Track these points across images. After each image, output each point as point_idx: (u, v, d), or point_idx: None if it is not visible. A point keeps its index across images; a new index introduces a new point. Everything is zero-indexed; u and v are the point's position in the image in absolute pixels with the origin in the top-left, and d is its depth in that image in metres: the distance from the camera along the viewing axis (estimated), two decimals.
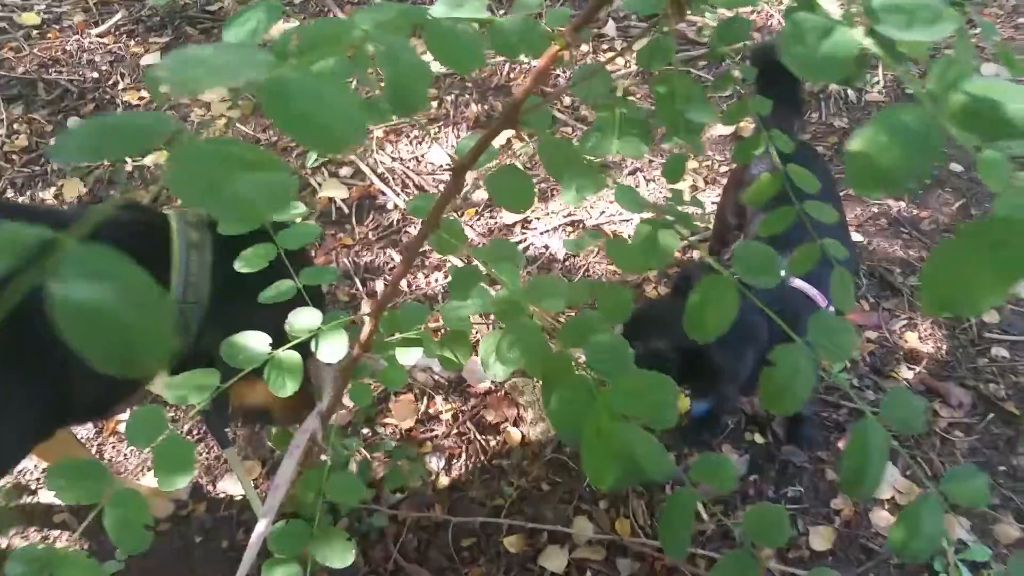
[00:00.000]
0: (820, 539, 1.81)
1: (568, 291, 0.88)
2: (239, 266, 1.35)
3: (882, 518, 1.84)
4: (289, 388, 1.12)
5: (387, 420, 2.03)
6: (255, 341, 1.14)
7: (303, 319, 1.20)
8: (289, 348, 1.15)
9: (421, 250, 2.46)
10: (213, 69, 0.49)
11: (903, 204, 2.60)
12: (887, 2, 0.53)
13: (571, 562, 1.80)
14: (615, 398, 0.77)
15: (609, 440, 0.75)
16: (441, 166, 2.77)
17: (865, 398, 2.06)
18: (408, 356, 1.33)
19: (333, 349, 1.16)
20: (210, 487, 1.98)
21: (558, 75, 3.07)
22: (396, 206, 2.62)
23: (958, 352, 2.21)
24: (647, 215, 0.87)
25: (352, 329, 1.25)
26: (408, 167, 2.77)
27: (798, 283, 1.68)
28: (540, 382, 0.87)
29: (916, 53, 0.76)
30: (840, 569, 1.76)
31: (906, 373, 2.14)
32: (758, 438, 2.01)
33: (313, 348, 1.17)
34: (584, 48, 3.23)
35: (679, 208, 0.82)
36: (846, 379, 2.10)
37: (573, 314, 0.89)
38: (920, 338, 2.23)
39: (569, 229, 2.54)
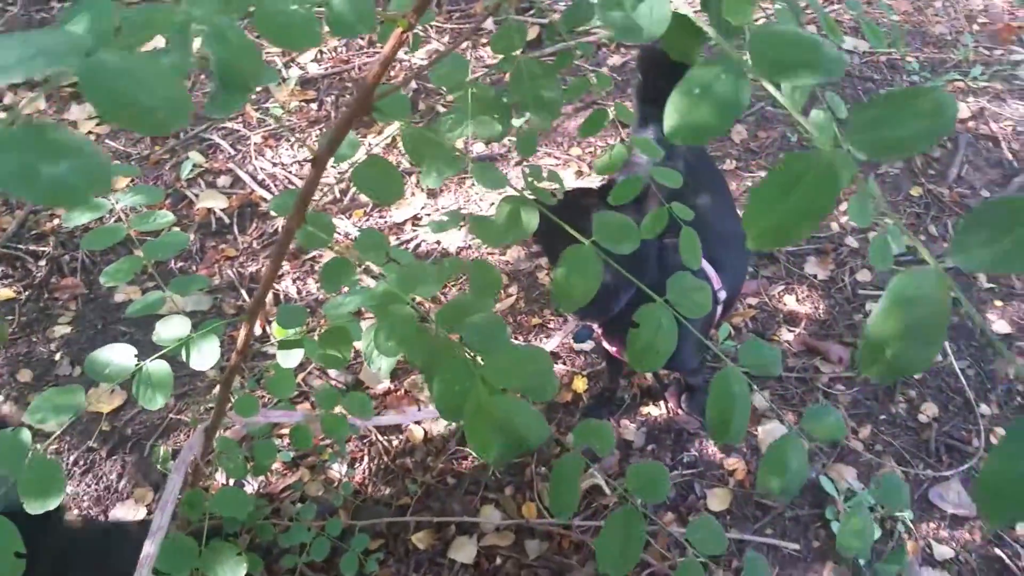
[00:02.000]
0: (717, 500, 1.88)
1: (438, 274, 0.89)
2: (104, 280, 1.30)
3: None
4: (160, 401, 1.08)
5: (283, 431, 1.99)
6: (120, 355, 1.10)
7: (172, 328, 1.16)
8: (157, 358, 1.11)
9: (310, 256, 2.42)
10: (24, 57, 0.47)
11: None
12: None
13: (480, 551, 1.81)
14: (492, 373, 0.78)
15: (489, 414, 0.76)
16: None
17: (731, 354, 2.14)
18: (289, 358, 1.31)
19: (205, 356, 1.12)
20: (102, 517, 1.89)
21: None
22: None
23: (835, 311, 2.33)
24: (509, 192, 0.88)
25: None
26: (290, 172, 2.71)
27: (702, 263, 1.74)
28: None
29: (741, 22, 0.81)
30: (737, 526, 1.84)
31: (787, 335, 2.24)
32: (653, 410, 2.07)
33: (184, 357, 1.13)
34: (464, 45, 3.24)
35: (538, 184, 0.84)
36: (732, 345, 2.18)
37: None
38: (798, 300, 2.35)
39: (461, 224, 2.53)
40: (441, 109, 2.93)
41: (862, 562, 1.77)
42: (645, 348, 0.80)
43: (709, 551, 0.91)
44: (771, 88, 0.52)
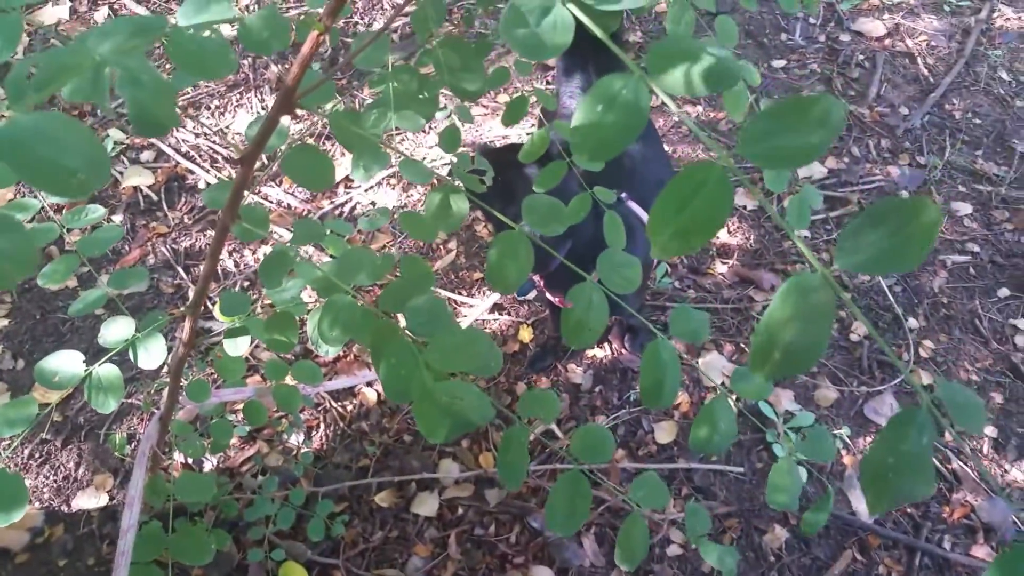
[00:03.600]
0: (664, 433, 1.97)
1: (375, 265, 0.91)
2: (42, 282, 1.28)
3: None
4: (112, 404, 1.09)
5: (237, 406, 2.00)
6: (68, 362, 1.10)
7: (116, 329, 1.16)
8: (105, 362, 1.12)
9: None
10: None
11: (700, 108, 2.77)
12: None
13: (442, 503, 1.87)
14: (435, 356, 0.81)
15: (434, 397, 0.79)
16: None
17: (687, 297, 2.23)
18: (237, 346, 1.32)
19: (152, 355, 1.13)
20: (64, 507, 1.90)
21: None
22: (208, 184, 2.52)
23: (765, 240, 2.41)
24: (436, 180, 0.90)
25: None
26: (214, 142, 2.65)
27: (633, 205, 1.78)
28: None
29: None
30: (684, 456, 1.94)
31: (720, 268, 2.32)
32: (599, 353, 2.14)
33: (132, 357, 1.14)
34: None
35: (465, 172, 0.86)
36: (669, 282, 2.26)
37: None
38: (729, 232, 2.42)
39: (393, 182, 2.53)
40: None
41: (804, 479, 1.88)
42: (578, 326, 0.84)
43: (653, 505, 0.97)
44: (667, 99, 0.55)
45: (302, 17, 0.89)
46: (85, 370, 1.10)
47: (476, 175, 1.01)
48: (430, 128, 2.65)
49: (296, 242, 1.04)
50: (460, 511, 1.87)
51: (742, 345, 2.14)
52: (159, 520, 1.54)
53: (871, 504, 0.50)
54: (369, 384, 2.07)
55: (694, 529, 1.13)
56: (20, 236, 0.47)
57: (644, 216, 1.77)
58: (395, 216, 2.41)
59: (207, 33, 0.65)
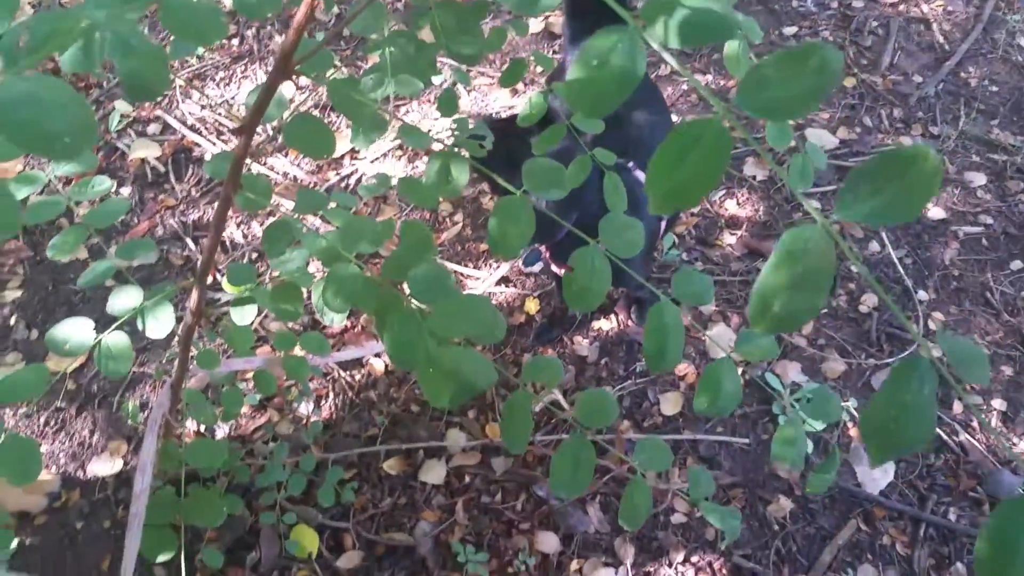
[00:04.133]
0: (670, 405, 1.98)
1: (376, 233, 0.91)
2: (51, 254, 1.30)
3: None
4: (122, 370, 1.10)
5: (248, 376, 2.02)
6: (78, 330, 1.12)
7: (124, 299, 1.17)
8: (115, 330, 1.13)
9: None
10: None
11: (710, 77, 2.74)
12: None
13: (450, 471, 1.89)
14: (439, 323, 0.82)
15: (438, 363, 0.80)
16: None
17: (675, 264, 2.22)
18: (244, 315, 1.33)
19: (160, 324, 1.14)
20: (80, 472, 1.93)
21: None
22: (214, 156, 2.52)
23: (774, 211, 2.39)
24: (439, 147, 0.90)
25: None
26: (219, 113, 2.66)
27: (639, 174, 1.77)
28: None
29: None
30: (690, 427, 1.94)
31: (729, 239, 2.31)
32: (605, 324, 2.14)
33: (140, 326, 1.15)
34: None
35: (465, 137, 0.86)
36: (677, 254, 2.25)
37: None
38: (739, 204, 2.41)
39: (399, 153, 2.53)
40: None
41: (809, 450, 1.89)
42: (581, 290, 0.84)
43: (654, 468, 0.98)
44: (667, 56, 0.54)
45: None
46: (95, 338, 1.12)
47: (476, 140, 1.01)
48: (434, 98, 2.64)
49: (298, 211, 1.05)
50: (467, 479, 1.89)
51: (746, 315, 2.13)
52: (172, 486, 1.57)
53: (873, 456, 0.51)
54: (376, 355, 2.09)
55: (697, 492, 1.14)
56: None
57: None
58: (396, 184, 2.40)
59: None
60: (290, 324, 2.11)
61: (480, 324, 0.83)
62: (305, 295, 1.37)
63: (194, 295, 1.27)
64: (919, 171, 0.45)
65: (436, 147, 1.02)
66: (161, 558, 1.50)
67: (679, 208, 0.53)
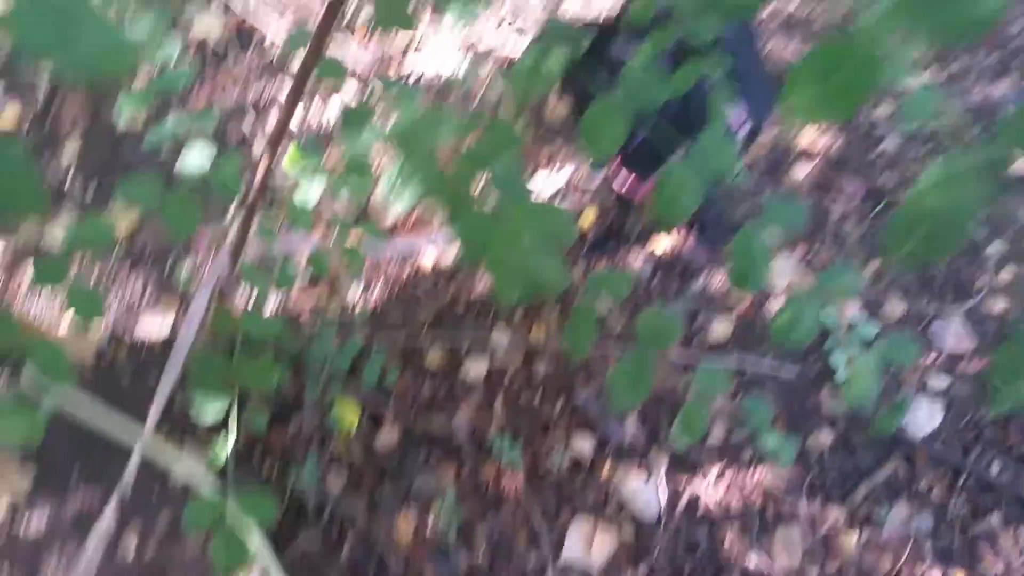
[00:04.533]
0: (720, 330, 1.95)
1: (459, 123, 0.90)
2: (118, 112, 1.30)
3: (777, 307, 1.98)
4: (190, 228, 1.11)
5: (302, 258, 2.03)
6: (147, 184, 1.11)
7: (195, 156, 1.16)
8: (183, 187, 1.13)
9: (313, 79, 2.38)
10: None
11: (797, 3, 2.62)
12: None
13: (492, 368, 1.90)
14: (513, 221, 0.81)
15: (512, 261, 0.79)
16: None
17: (763, 197, 2.16)
18: (308, 191, 1.32)
19: (228, 182, 1.14)
20: (128, 333, 1.97)
21: None
22: (274, 37, 2.49)
23: (850, 147, 2.31)
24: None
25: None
26: None
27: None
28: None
29: None
30: (737, 355, 1.92)
31: (800, 172, 2.24)
32: (662, 243, 2.10)
33: (207, 186, 1.15)
34: None
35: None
36: (744, 180, 2.19)
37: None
38: (814, 135, 2.32)
39: (461, 54, 2.47)
40: None
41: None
42: (670, 202, 0.83)
43: (714, 393, 0.98)
44: None
45: None
46: (163, 193, 1.11)
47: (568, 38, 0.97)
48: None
49: (378, 93, 1.03)
50: (507, 378, 1.89)
51: (816, 248, 2.08)
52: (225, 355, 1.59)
53: (996, 401, 0.49)
54: (428, 249, 2.08)
55: (755, 420, 1.13)
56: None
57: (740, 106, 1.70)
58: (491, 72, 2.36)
59: None
60: (347, 210, 2.10)
61: (552, 226, 0.83)
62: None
63: (263, 163, 1.26)
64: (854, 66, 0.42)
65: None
66: (211, 414, 1.53)
67: (816, 119, 0.50)
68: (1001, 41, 2.53)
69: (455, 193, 0.86)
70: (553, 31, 1.09)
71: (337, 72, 1.18)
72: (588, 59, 1.48)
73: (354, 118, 1.17)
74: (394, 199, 1.06)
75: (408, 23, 0.96)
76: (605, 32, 1.52)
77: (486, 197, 0.84)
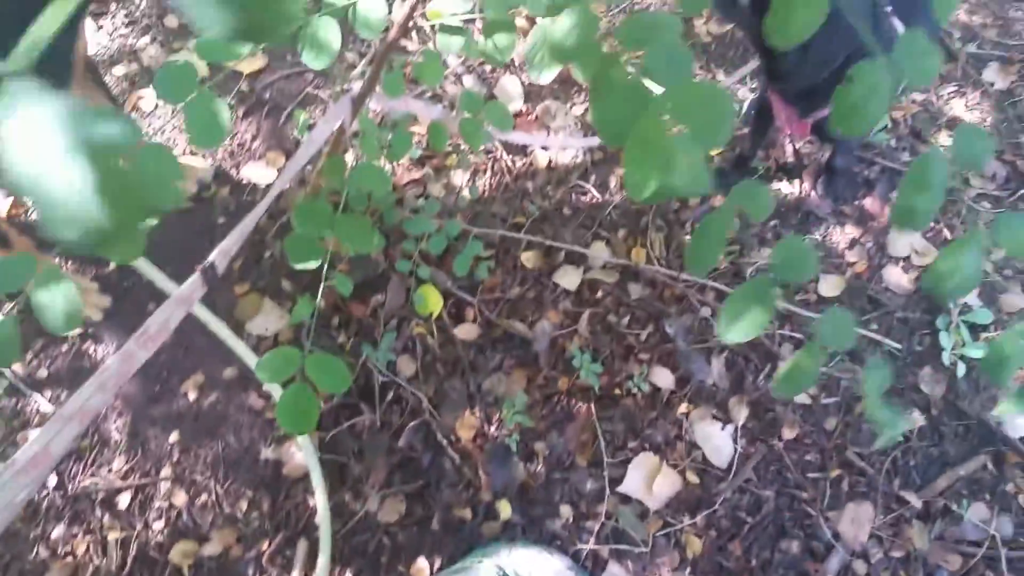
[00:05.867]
0: (830, 286, 1.86)
1: None
2: None
3: (894, 274, 1.88)
4: (325, 61, 1.06)
5: (414, 129, 1.98)
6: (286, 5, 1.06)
7: None
8: (326, 14, 1.07)
9: None
10: None
11: None
12: None
13: (584, 282, 1.85)
14: (668, 107, 0.72)
15: (656, 147, 0.72)
16: None
17: (898, 159, 2.03)
18: (449, 43, 1.26)
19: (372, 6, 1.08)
20: (234, 171, 1.97)
21: None
22: None
23: (1002, 126, 2.14)
24: None
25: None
26: None
27: (896, 22, 1.59)
28: (586, 90, 0.82)
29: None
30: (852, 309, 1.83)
31: (945, 140, 2.08)
32: (785, 187, 2.00)
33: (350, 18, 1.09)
34: None
35: None
36: (886, 139, 2.05)
37: None
38: (967, 107, 2.16)
39: None
40: None
41: (961, 374, 1.76)
42: (854, 108, 0.73)
43: (837, 344, 0.89)
44: None
45: None
46: (304, 18, 1.06)
47: None
48: None
49: None
50: (599, 294, 1.84)
51: (941, 226, 1.96)
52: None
53: None
54: (543, 148, 2.01)
55: (872, 384, 1.05)
56: None
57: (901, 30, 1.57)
58: None
59: None
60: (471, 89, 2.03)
61: (713, 120, 0.74)
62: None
63: (407, 2, 1.19)
64: None
65: None
66: (304, 265, 1.52)
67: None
68: None
69: (607, 62, 0.80)
70: None
71: None
72: None
73: None
74: (536, 62, 1.00)
75: None
76: None
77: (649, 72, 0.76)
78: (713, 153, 2.03)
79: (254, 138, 2.01)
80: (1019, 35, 2.30)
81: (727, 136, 0.79)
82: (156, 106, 2.03)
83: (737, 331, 0.90)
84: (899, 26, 1.55)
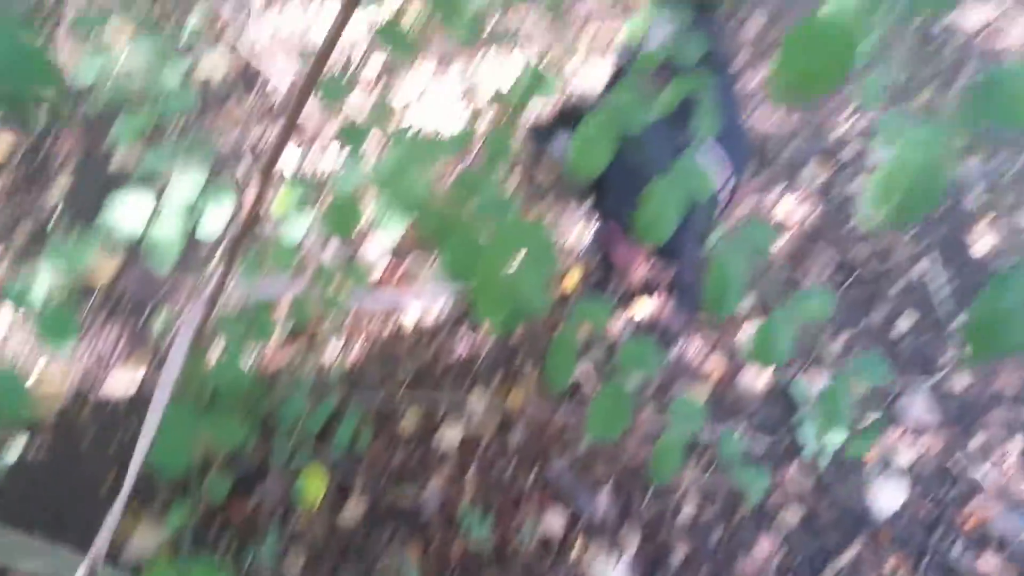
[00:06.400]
0: (695, 396, 1.97)
1: (450, 144, 0.93)
2: (113, 138, 1.29)
3: (749, 378, 2.01)
4: (168, 263, 1.10)
5: (281, 307, 2.02)
6: (130, 215, 1.10)
7: (184, 186, 1.15)
8: (167, 219, 1.12)
9: (312, 130, 2.38)
10: None
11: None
12: None
13: (466, 435, 1.90)
14: (500, 246, 0.82)
15: (496, 281, 0.82)
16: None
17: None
18: (295, 228, 1.32)
19: (215, 221, 1.13)
20: (94, 390, 1.94)
21: None
22: (277, 80, 2.49)
23: (826, 218, 2.36)
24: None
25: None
26: (286, 39, 2.61)
27: (718, 149, 1.75)
28: (434, 252, 0.93)
29: None
30: (709, 427, 1.94)
31: (777, 242, 2.28)
32: (641, 307, 2.13)
33: (192, 223, 1.14)
34: None
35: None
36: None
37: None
38: (791, 205, 2.37)
39: (464, 102, 2.49)
40: None
41: (824, 464, 1.89)
42: (654, 220, 0.87)
43: (689, 426, 1.00)
44: None
45: None
46: (145, 226, 1.10)
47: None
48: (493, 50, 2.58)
49: (370, 122, 1.05)
50: (482, 445, 1.89)
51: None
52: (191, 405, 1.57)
53: (972, 355, 0.53)
54: (412, 305, 2.08)
55: (727, 451, 1.15)
56: None
57: (723, 155, 1.73)
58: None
59: None
60: (331, 259, 2.09)
61: (540, 249, 0.84)
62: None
63: (252, 197, 1.24)
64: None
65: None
66: (172, 473, 1.50)
67: (798, 99, 0.53)
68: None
69: (443, 216, 0.89)
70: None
71: (341, 93, 1.18)
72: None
73: (351, 134, 1.17)
74: (382, 226, 1.08)
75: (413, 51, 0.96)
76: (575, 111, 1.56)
77: (473, 222, 0.87)
78: (568, 283, 2.15)
79: (117, 341, 1.99)
80: (828, 136, 2.56)
81: (553, 262, 0.90)
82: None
83: (605, 428, 0.98)
84: (722, 154, 1.72)
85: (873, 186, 0.55)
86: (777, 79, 0.53)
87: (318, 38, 2.60)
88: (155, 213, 1.11)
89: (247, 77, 2.51)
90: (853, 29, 0.51)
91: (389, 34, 0.92)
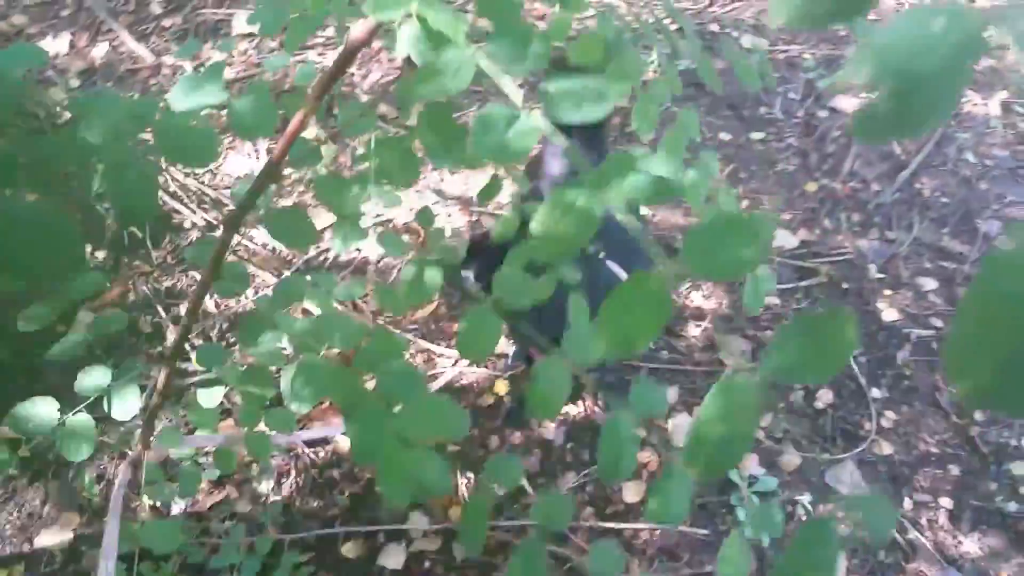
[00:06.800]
0: (632, 492, 2.00)
1: (350, 332, 0.95)
2: (22, 326, 1.31)
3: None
4: (84, 452, 1.11)
5: (209, 449, 2.01)
6: (42, 410, 1.13)
7: (93, 378, 1.19)
8: (79, 410, 1.14)
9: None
10: None
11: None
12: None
13: (409, 556, 1.88)
14: (405, 424, 0.85)
15: (399, 465, 0.83)
16: (239, 177, 2.72)
17: (660, 358, 2.28)
18: (210, 397, 1.35)
19: (126, 406, 1.16)
20: (27, 545, 1.89)
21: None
22: (194, 224, 2.56)
23: (737, 306, 2.47)
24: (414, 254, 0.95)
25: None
26: (203, 181, 2.70)
27: (613, 266, 1.84)
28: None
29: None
30: (649, 520, 1.96)
31: (694, 331, 2.37)
32: (572, 409, 2.18)
33: (105, 408, 1.16)
34: None
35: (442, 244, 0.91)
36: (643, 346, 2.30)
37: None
38: (704, 297, 2.48)
39: (380, 229, 2.58)
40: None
41: (765, 543, 1.91)
42: (544, 400, 0.89)
43: (608, 573, 1.01)
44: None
45: (290, 91, 0.95)
46: (59, 419, 1.13)
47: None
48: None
49: (277, 304, 1.08)
50: (427, 564, 1.88)
51: None
52: (123, 562, 1.54)
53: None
54: (343, 433, 2.09)
55: (600, 569, 1.16)
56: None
57: (623, 276, 1.82)
58: (373, 280, 2.45)
59: (194, 121, 0.70)
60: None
61: (444, 425, 0.87)
62: (275, 372, 1.39)
63: (162, 376, 1.29)
64: (838, 338, 0.50)
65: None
66: None
67: (625, 353, 0.58)
68: (864, 199, 2.79)
69: (348, 395, 0.91)
70: (436, 241, 1.18)
71: (237, 288, 1.22)
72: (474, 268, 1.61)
73: (250, 325, 1.20)
74: (292, 400, 1.10)
75: (310, 240, 1.02)
76: (484, 245, 1.66)
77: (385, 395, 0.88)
78: (502, 393, 2.19)
79: (44, 503, 1.95)
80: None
81: (464, 432, 0.91)
82: None
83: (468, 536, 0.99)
84: (618, 270, 1.81)
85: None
86: (603, 338, 0.58)
87: (229, 175, 2.70)
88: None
89: (162, 218, 2.57)
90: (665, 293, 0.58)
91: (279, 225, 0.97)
